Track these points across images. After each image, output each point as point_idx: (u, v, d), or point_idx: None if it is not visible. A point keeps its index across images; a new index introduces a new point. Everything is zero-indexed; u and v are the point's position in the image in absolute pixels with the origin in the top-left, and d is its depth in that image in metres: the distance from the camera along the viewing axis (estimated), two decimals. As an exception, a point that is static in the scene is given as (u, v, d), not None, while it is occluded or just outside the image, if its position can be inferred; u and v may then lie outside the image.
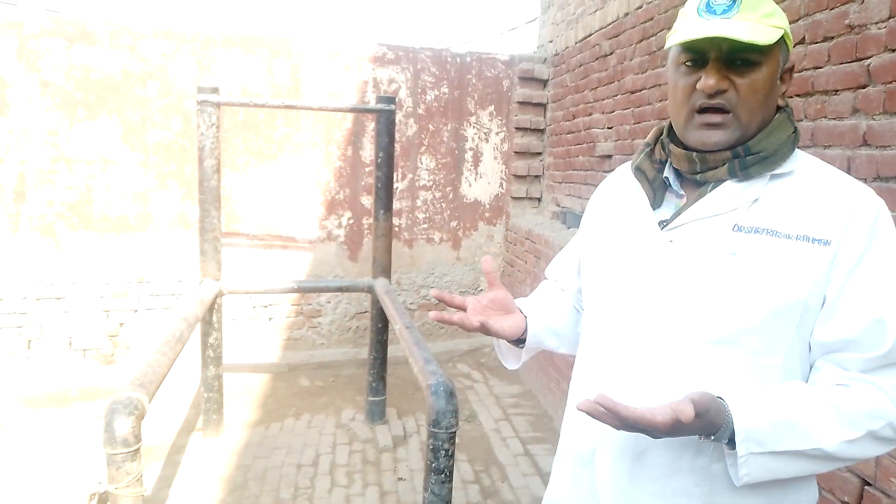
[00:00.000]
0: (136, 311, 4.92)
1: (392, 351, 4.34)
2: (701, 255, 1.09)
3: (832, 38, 2.45)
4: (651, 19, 3.71)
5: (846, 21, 2.38)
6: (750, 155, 1.09)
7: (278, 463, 3.65)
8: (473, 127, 5.60)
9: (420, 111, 5.45)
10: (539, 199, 5.72)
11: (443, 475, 2.28)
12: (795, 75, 2.61)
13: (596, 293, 1.25)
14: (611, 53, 4.28)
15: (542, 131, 5.63)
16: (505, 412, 4.48)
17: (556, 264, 1.50)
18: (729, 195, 1.10)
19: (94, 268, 4.82)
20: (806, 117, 2.57)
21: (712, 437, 1.01)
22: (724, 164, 1.10)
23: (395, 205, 5.18)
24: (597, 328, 1.23)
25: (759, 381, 1.05)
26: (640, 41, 3.85)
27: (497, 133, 5.66)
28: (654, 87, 3.68)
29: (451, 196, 5.62)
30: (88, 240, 4.79)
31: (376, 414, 4.19)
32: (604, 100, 4.38)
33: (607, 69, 4.34)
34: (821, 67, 2.50)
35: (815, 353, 1.08)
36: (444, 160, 5.56)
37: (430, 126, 5.49)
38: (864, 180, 2.28)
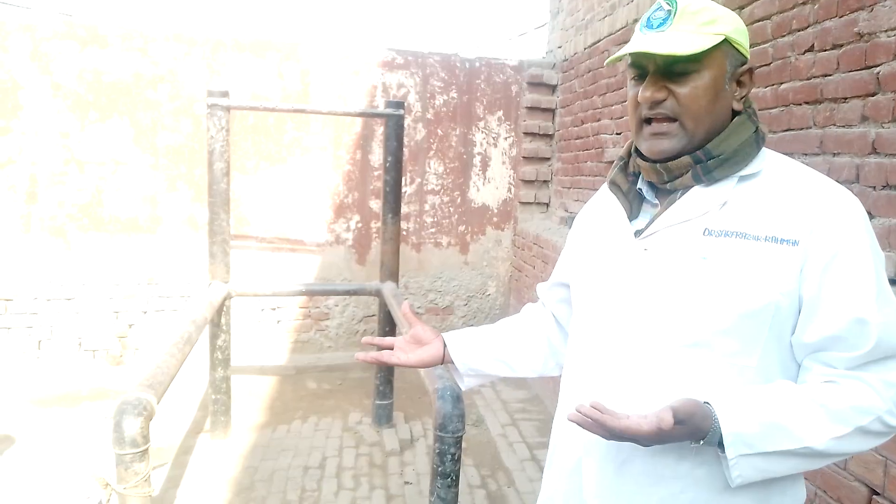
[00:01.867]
0: (145, 312, 4.95)
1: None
2: (673, 261, 1.11)
3: (841, 45, 2.44)
4: (660, 26, 3.72)
5: (855, 29, 2.37)
6: (711, 159, 1.11)
7: (285, 465, 3.66)
8: (482, 132, 5.62)
9: (429, 116, 5.47)
10: (547, 205, 5.72)
11: (449, 479, 2.28)
12: (804, 83, 2.62)
13: (579, 305, 1.28)
14: (619, 60, 4.28)
15: (550, 136, 5.63)
16: (512, 417, 4.48)
17: (546, 283, 1.54)
18: (698, 200, 1.12)
19: (104, 269, 4.85)
20: (815, 125, 2.57)
21: (702, 442, 1.02)
22: (687, 170, 1.13)
23: (404, 209, 5.20)
24: (580, 338, 1.26)
25: (736, 382, 1.06)
26: (650, 47, 3.86)
27: (505, 138, 5.67)
28: (662, 93, 3.68)
29: (459, 200, 5.63)
30: (99, 241, 4.83)
31: (383, 417, 4.20)
32: (612, 105, 4.38)
33: (616, 75, 4.34)
34: (830, 75, 2.50)
35: (799, 354, 1.09)
36: (452, 165, 5.58)
37: (439, 131, 5.51)
38: (874, 188, 2.28)
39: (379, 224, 4.79)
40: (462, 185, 5.62)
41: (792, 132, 2.70)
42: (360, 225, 5.41)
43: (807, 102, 2.62)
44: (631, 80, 1.16)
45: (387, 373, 4.22)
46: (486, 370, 1.45)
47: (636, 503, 1.12)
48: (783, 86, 2.75)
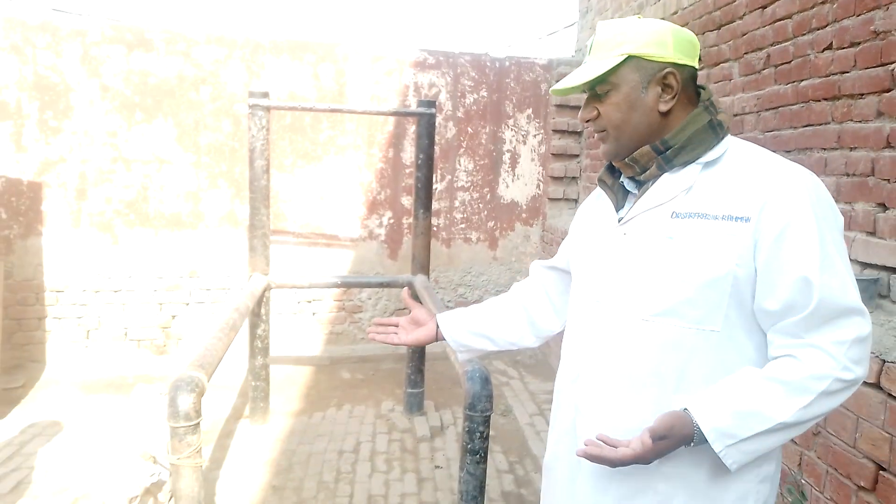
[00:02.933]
0: (187, 304, 5.17)
1: (430, 347, 4.49)
2: (646, 242, 1.26)
3: (858, 43, 2.53)
4: (685, 25, 3.81)
5: (872, 27, 2.46)
6: (669, 149, 1.27)
7: (321, 449, 3.83)
8: (511, 129, 5.74)
9: (459, 114, 5.61)
10: (576, 201, 5.83)
11: (477, 456, 2.43)
12: (823, 80, 2.71)
13: (574, 283, 1.47)
14: (646, 58, 4.38)
15: (579, 133, 5.74)
16: (539, 407, 4.60)
17: (543, 262, 1.72)
18: (666, 187, 1.27)
19: (148, 262, 5.08)
20: (833, 120, 2.66)
21: (693, 444, 1.17)
22: (652, 161, 1.29)
23: (434, 205, 5.34)
24: (574, 312, 1.44)
25: (703, 346, 1.21)
26: (675, 46, 3.95)
27: (534, 135, 5.79)
28: (687, 90, 3.78)
29: (488, 197, 5.76)
30: (144, 236, 5.06)
31: (414, 405, 4.36)
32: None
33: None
34: (847, 72, 2.58)
35: (764, 323, 1.22)
36: (482, 162, 5.71)
37: (469, 129, 5.65)
38: (888, 181, 2.37)
39: (410, 220, 4.95)
40: (491, 181, 5.76)
41: (812, 128, 2.78)
42: (392, 221, 5.58)
43: (825, 99, 2.71)
44: None
45: (418, 362, 4.37)
46: (472, 345, 1.67)
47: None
48: (803, 83, 2.84)
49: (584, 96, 1.34)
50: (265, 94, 3.96)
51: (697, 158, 1.26)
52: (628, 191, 1.37)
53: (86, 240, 4.96)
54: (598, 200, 1.48)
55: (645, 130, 1.29)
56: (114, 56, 4.88)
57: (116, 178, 4.98)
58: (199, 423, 2.30)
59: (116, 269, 5.04)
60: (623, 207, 1.36)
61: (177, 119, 5.03)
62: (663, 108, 1.28)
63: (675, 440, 1.16)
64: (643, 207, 1.29)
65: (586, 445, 1.18)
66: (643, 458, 1.15)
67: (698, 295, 1.19)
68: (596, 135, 1.35)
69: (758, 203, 1.18)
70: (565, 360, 1.44)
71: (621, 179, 1.38)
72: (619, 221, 1.33)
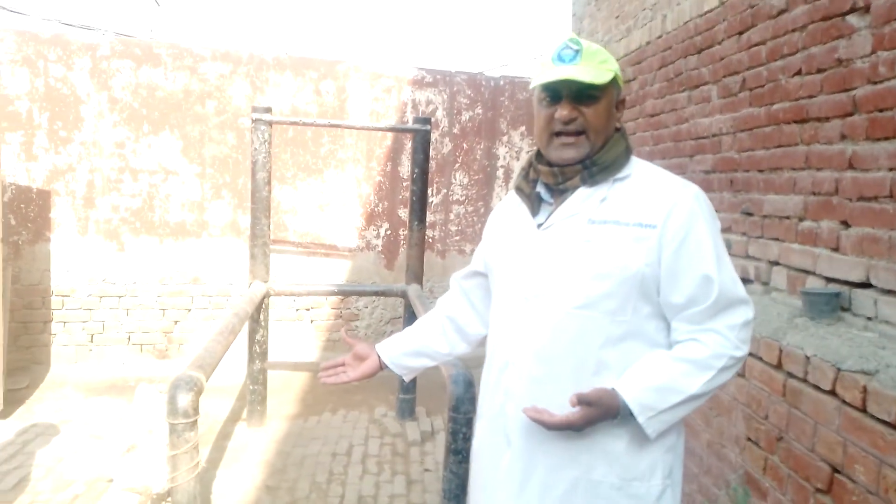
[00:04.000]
0: (189, 309, 5.32)
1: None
2: (565, 245, 1.42)
3: (825, 70, 2.68)
4: (669, 48, 3.98)
5: (836, 55, 2.61)
6: (595, 166, 1.43)
7: (315, 451, 3.96)
8: (505, 146, 5.91)
9: (455, 131, 5.78)
10: (568, 215, 5.97)
11: (460, 456, 2.55)
12: (793, 104, 2.86)
13: (497, 284, 1.60)
14: (633, 79, 4.55)
15: (572, 150, 5.89)
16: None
17: (461, 272, 1.84)
18: (583, 198, 1.43)
19: (153, 269, 5.24)
20: (801, 142, 2.80)
21: (618, 417, 1.35)
22: (577, 175, 1.44)
23: (430, 217, 5.50)
24: (498, 309, 1.58)
25: (616, 332, 1.39)
26: (660, 68, 4.11)
27: (528, 152, 5.95)
28: (671, 111, 3.93)
29: (482, 210, 5.92)
30: (149, 244, 5.22)
31: (406, 411, 4.49)
32: (626, 122, 4.64)
33: (630, 94, 4.60)
34: (814, 97, 2.73)
35: (669, 314, 1.41)
36: (476, 177, 5.87)
37: (465, 145, 5.82)
38: (850, 200, 2.51)
39: (407, 231, 5.10)
40: (486, 195, 5.92)
41: (782, 149, 2.93)
42: (389, 232, 5.73)
43: (795, 121, 2.85)
44: (543, 100, 1.46)
45: (411, 370, 4.49)
46: (412, 365, 1.78)
47: (548, 433, 1.39)
48: (775, 106, 2.99)
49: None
50: (268, 109, 4.13)
51: (613, 176, 1.44)
52: (541, 199, 1.52)
53: (92, 246, 5.13)
54: (510, 208, 1.61)
55: (606, 140, 1.45)
56: (122, 70, 5.07)
57: (123, 187, 5.15)
58: (196, 421, 2.44)
59: (121, 275, 5.19)
60: (539, 214, 1.51)
61: (183, 131, 5.21)
62: (618, 125, 1.49)
63: (603, 409, 1.33)
64: (563, 215, 1.44)
65: (530, 410, 1.35)
66: (574, 424, 1.32)
67: (614, 289, 1.37)
68: (563, 137, 1.43)
69: (663, 213, 1.38)
70: (494, 351, 1.57)
71: (537, 189, 1.53)
72: (539, 226, 1.48)
